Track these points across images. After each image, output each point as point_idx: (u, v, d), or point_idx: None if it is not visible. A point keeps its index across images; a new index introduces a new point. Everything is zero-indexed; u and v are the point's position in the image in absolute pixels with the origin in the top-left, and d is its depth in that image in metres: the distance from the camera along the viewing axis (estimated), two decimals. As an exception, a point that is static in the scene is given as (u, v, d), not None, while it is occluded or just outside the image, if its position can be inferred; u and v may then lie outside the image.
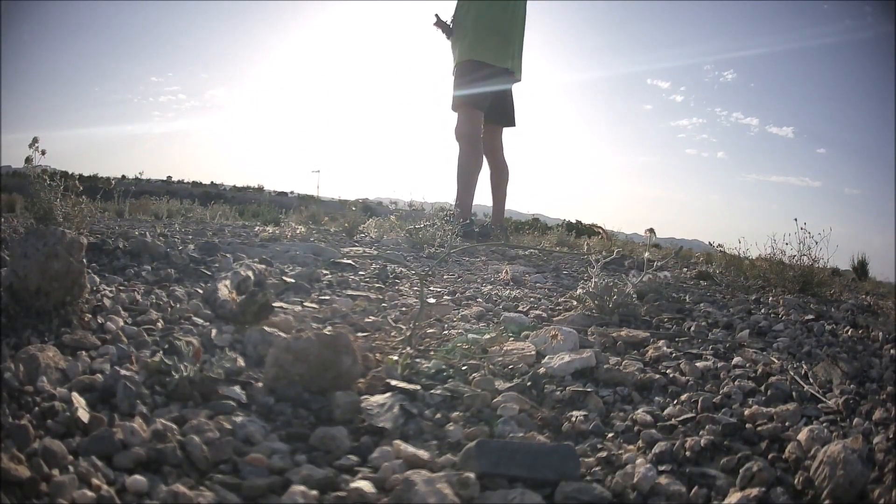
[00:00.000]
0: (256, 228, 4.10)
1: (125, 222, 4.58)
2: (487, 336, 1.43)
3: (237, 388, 0.98)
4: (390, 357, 1.20)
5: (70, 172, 2.80)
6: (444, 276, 2.38)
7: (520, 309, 1.79)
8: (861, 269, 6.81)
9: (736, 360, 1.34)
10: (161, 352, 1.09)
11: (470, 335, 1.42)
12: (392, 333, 1.41)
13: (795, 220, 2.95)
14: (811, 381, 1.22)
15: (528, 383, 1.15)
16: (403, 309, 1.65)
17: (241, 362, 1.08)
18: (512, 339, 1.43)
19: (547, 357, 1.25)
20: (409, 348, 1.30)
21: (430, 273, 2.36)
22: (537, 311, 1.75)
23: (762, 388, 1.16)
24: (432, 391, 1.07)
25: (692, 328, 1.66)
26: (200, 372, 0.97)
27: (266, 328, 1.22)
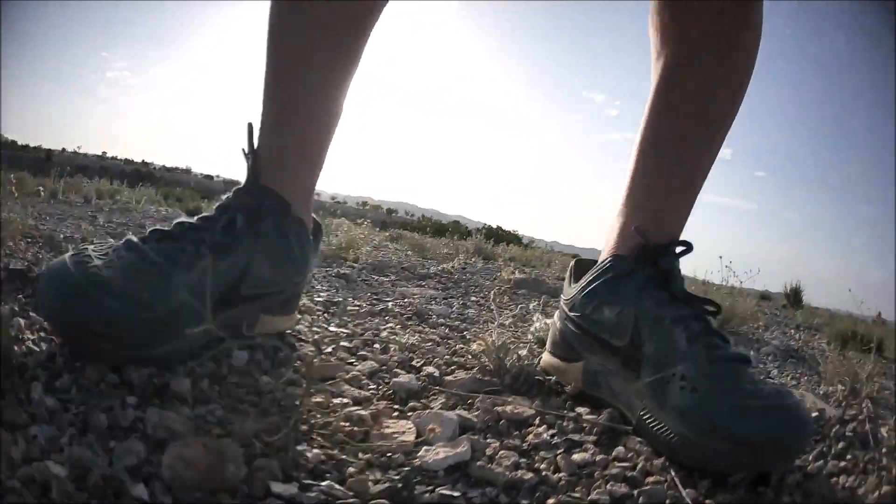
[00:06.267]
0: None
1: (55, 209, 4.26)
2: (371, 410, 1.36)
3: (142, 486, 0.91)
4: (274, 446, 1.11)
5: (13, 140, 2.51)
6: (350, 306, 2.29)
7: (413, 364, 1.73)
8: (794, 296, 6.75)
9: (618, 450, 1.29)
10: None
11: (355, 409, 1.35)
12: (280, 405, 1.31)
13: (720, 257, 2.95)
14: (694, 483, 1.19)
15: (400, 485, 1.10)
16: (298, 363, 1.54)
17: (141, 452, 0.98)
18: (396, 412, 1.37)
19: (423, 449, 1.20)
20: (292, 432, 1.20)
21: (335, 305, 2.25)
22: (430, 369, 1.70)
23: (635, 493, 1.12)
24: (308, 493, 1.00)
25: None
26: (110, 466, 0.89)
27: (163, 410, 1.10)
